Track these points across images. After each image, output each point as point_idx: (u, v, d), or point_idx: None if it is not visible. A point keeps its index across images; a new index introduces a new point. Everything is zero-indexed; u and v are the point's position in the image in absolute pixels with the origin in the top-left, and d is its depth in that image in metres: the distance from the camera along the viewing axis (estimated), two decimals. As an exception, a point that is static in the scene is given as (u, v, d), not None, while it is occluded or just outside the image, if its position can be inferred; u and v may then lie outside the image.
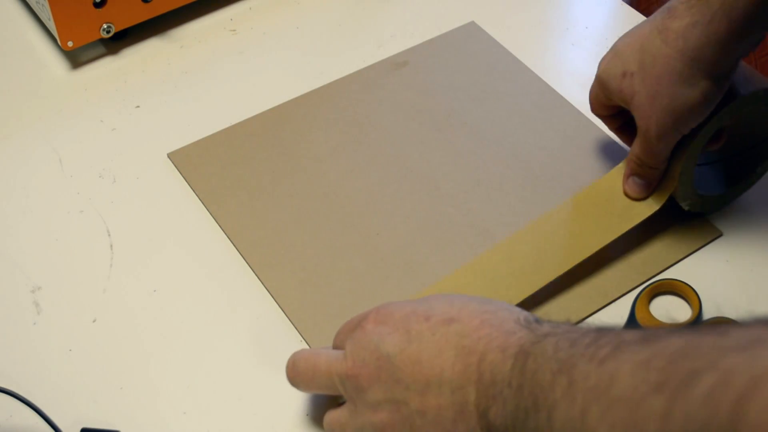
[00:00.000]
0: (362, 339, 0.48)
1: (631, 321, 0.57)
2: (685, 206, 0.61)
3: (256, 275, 0.60)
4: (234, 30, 0.78)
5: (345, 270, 0.60)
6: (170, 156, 0.67)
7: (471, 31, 0.78)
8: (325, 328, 0.57)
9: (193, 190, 0.65)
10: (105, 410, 0.53)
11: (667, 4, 0.55)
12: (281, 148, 0.68)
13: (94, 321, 0.58)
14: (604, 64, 0.59)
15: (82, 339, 0.56)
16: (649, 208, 0.60)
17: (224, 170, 0.66)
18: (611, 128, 0.63)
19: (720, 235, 0.63)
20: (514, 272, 0.58)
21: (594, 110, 0.63)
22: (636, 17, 0.80)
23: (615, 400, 0.35)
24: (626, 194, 0.61)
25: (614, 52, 0.58)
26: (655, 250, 0.61)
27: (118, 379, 0.55)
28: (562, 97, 0.72)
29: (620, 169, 0.62)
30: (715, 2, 0.52)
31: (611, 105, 0.60)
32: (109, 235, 0.62)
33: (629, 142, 0.61)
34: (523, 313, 0.46)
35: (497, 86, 0.73)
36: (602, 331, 0.40)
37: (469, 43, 0.77)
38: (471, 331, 0.45)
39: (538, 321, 0.44)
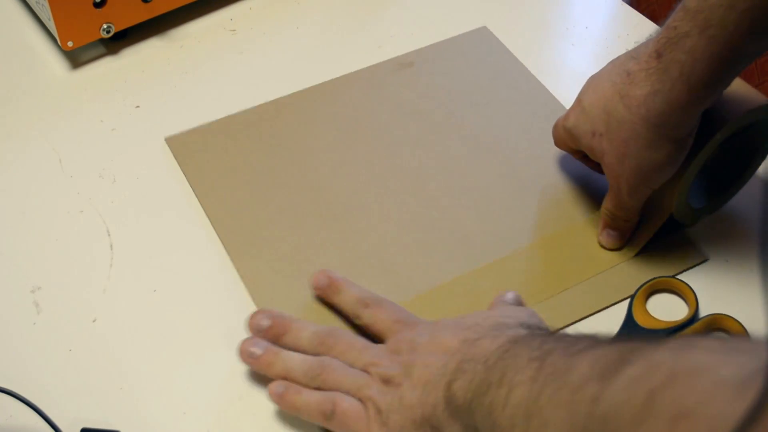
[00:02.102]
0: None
1: (629, 318, 0.57)
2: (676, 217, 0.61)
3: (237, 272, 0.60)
4: (234, 30, 0.78)
5: (321, 265, 0.59)
6: (167, 140, 0.67)
7: (482, 36, 0.77)
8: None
9: (190, 185, 0.65)
10: (105, 410, 0.53)
11: (624, 65, 0.56)
12: (277, 140, 0.68)
13: (94, 321, 0.58)
14: (573, 119, 0.61)
15: (82, 339, 0.56)
16: (619, 258, 0.62)
17: (220, 160, 0.66)
18: (576, 158, 0.65)
19: (705, 260, 0.62)
20: (473, 307, 0.58)
21: (558, 147, 0.65)
22: (636, 17, 0.80)
23: (565, 384, 0.39)
24: (601, 245, 0.62)
25: (581, 108, 0.60)
26: (653, 261, 0.61)
27: (118, 379, 0.55)
28: (565, 108, 0.71)
29: (590, 221, 0.63)
30: (674, 70, 0.52)
31: (578, 149, 0.63)
32: (109, 235, 0.62)
33: (595, 168, 0.63)
34: (536, 323, 0.51)
35: (499, 93, 0.72)
36: (594, 335, 0.43)
37: (477, 48, 0.76)
38: (482, 322, 0.51)
39: (541, 329, 0.49)
